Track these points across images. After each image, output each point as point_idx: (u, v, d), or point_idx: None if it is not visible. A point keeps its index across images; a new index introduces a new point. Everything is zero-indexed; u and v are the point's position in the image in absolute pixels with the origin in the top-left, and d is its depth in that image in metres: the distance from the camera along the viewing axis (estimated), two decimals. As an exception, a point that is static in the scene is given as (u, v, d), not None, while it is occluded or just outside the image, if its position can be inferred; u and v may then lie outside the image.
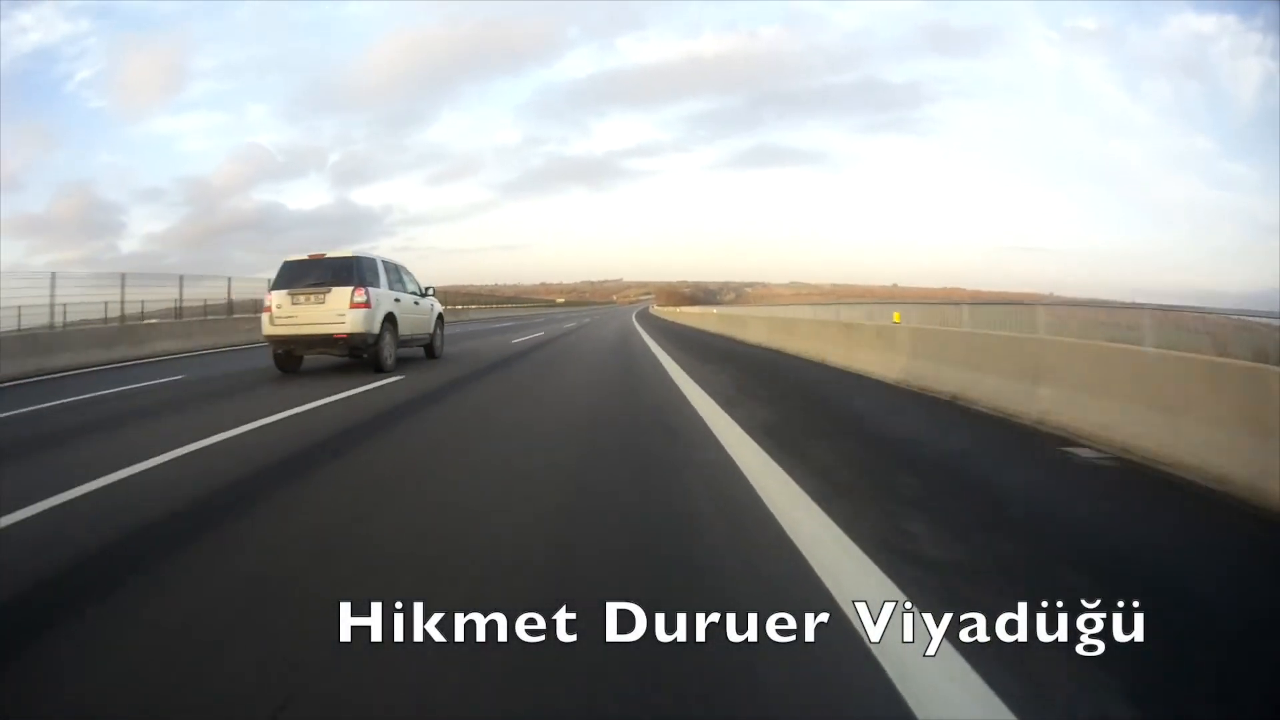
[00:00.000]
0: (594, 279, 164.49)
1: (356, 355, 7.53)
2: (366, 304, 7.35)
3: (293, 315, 7.39)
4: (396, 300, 8.06)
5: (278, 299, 7.47)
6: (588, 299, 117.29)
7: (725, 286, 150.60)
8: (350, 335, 7.26)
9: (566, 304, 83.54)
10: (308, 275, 7.55)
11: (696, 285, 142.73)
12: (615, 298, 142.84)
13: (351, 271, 7.50)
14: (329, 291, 7.35)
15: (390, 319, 7.75)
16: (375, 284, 7.67)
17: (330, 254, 7.74)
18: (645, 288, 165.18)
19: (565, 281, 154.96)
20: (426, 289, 9.35)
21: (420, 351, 9.25)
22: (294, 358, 7.75)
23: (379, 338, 7.46)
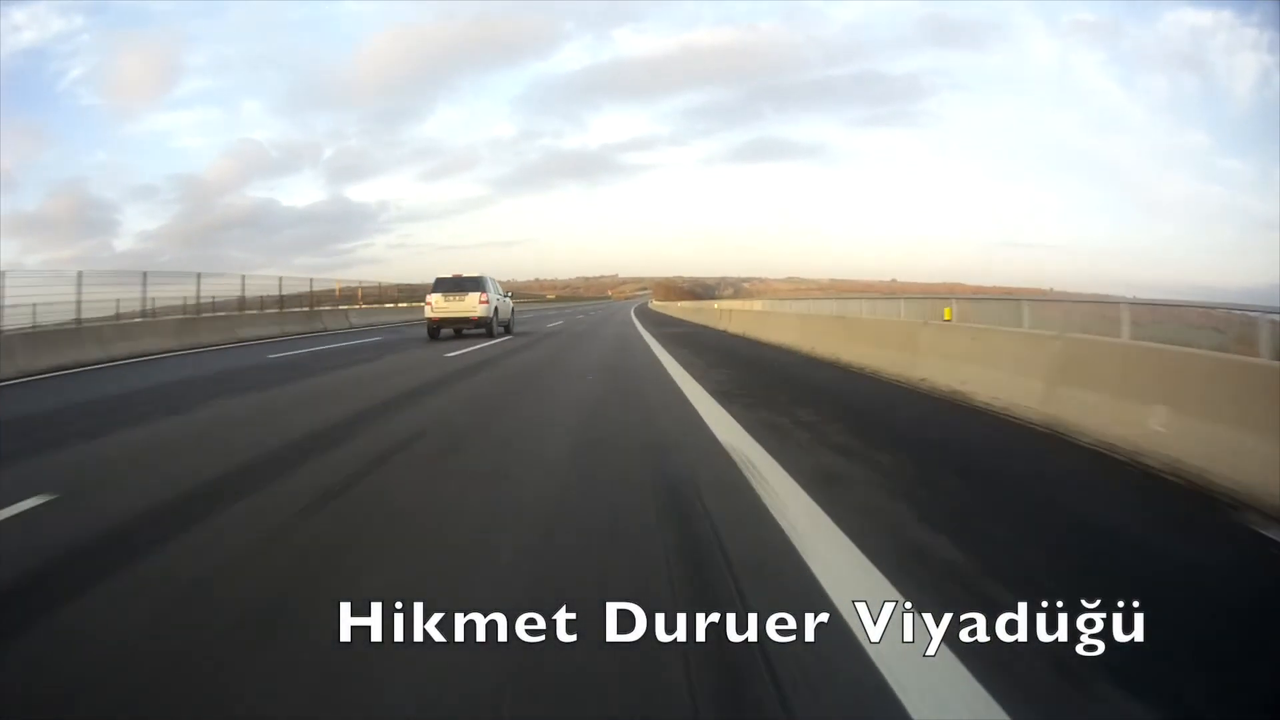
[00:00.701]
0: (589, 275, 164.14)
1: (480, 328, 13.74)
2: (487, 301, 13.70)
3: (445, 307, 13.61)
4: (498, 298, 14.45)
5: (436, 298, 13.71)
6: (582, 294, 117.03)
7: (723, 281, 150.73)
8: (479, 318, 13.58)
9: (558, 299, 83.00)
10: (452, 285, 13.77)
11: (693, 280, 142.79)
12: (610, 293, 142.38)
13: (478, 283, 13.87)
14: (466, 294, 13.61)
15: (496, 309, 14.09)
16: (488, 290, 13.91)
17: (465, 275, 14.01)
18: (641, 283, 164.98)
19: (560, 277, 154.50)
20: (507, 293, 15.94)
21: (503, 330, 15.03)
22: (439, 330, 13.76)
23: (492, 319, 13.80)
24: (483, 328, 13.68)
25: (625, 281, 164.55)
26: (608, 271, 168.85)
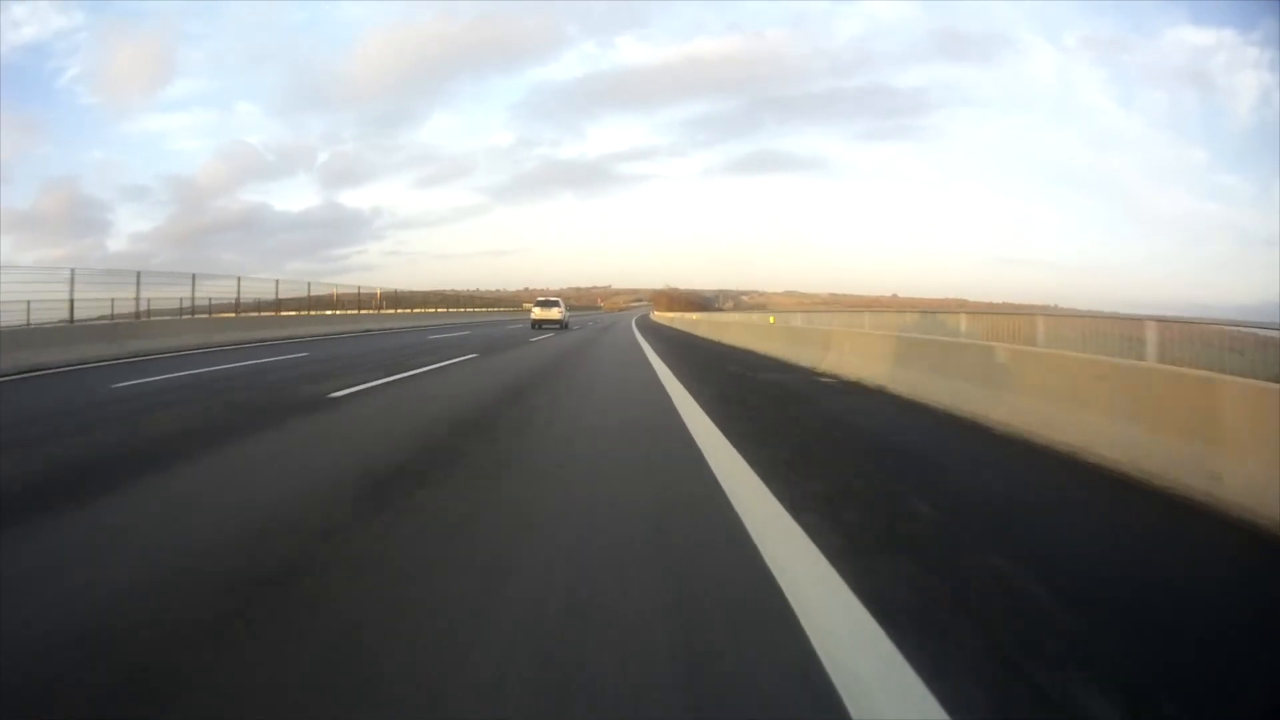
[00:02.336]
0: (582, 285, 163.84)
1: (560, 326, 26.64)
2: (562, 311, 27.96)
3: (541, 313, 27.16)
4: (566, 310, 29.07)
5: (536, 309, 27.83)
6: (572, 304, 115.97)
7: (721, 294, 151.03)
8: (558, 319, 27.10)
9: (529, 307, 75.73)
10: (544, 303, 28.17)
11: (690, 292, 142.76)
12: (601, 303, 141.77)
13: (557, 303, 28.49)
14: (552, 308, 27.63)
15: (565, 315, 28.54)
16: (561, 306, 28.31)
17: (550, 297, 30.02)
18: (636, 294, 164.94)
19: (552, 287, 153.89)
20: (569, 307, 31.91)
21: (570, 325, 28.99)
22: (536, 325, 26.16)
23: (564, 321, 28.03)
24: (559, 325, 26.97)
25: (619, 293, 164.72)
26: (601, 282, 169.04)
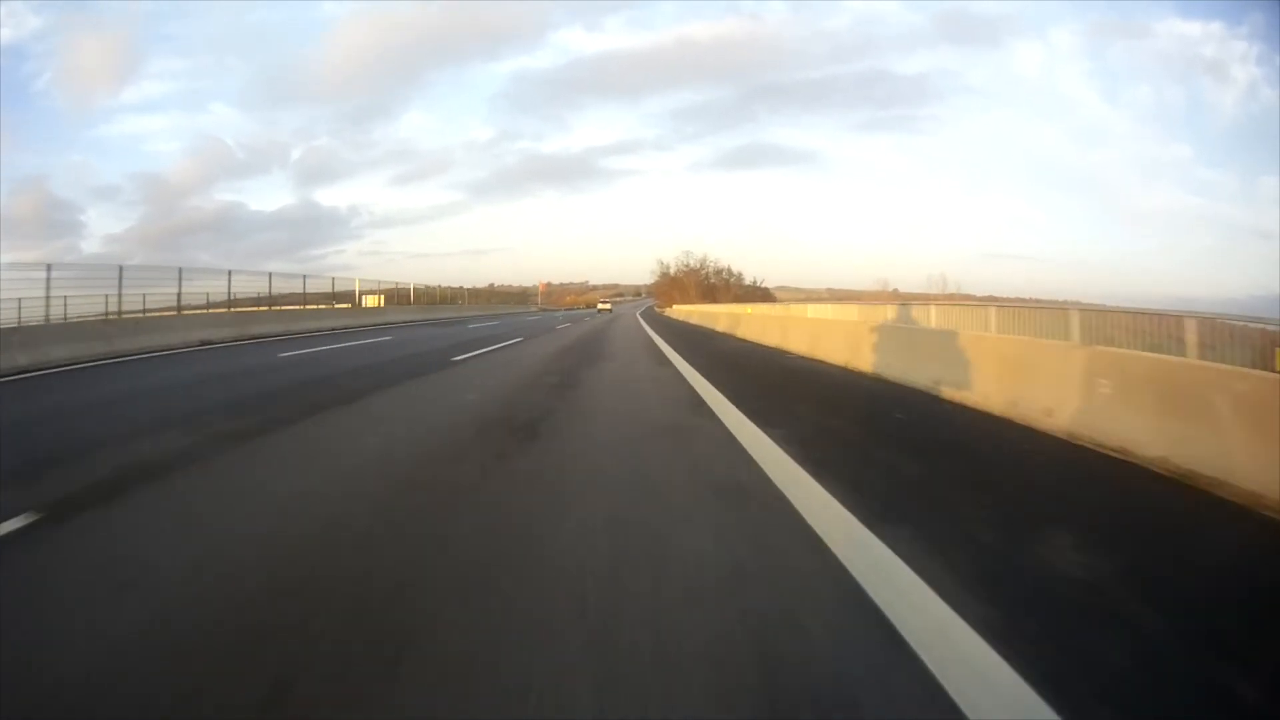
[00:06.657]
0: (556, 281, 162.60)
1: (608, 312, 71.80)
2: (609, 304, 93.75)
3: (603, 306, 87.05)
4: (612, 304, 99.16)
5: (600, 302, 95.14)
6: (537, 300, 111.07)
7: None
8: (610, 308, 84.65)
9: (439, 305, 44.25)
10: (604, 301, 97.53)
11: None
12: (541, 285, 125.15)
13: (608, 301, 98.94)
14: (606, 302, 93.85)
15: (610, 307, 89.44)
16: (610, 304, 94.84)
17: (603, 298, 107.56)
18: (615, 289, 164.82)
19: (524, 284, 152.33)
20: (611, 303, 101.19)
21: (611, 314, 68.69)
22: (598, 311, 77.02)
23: (612, 309, 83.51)
24: (610, 311, 71.35)
25: (596, 288, 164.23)
26: (578, 279, 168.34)
